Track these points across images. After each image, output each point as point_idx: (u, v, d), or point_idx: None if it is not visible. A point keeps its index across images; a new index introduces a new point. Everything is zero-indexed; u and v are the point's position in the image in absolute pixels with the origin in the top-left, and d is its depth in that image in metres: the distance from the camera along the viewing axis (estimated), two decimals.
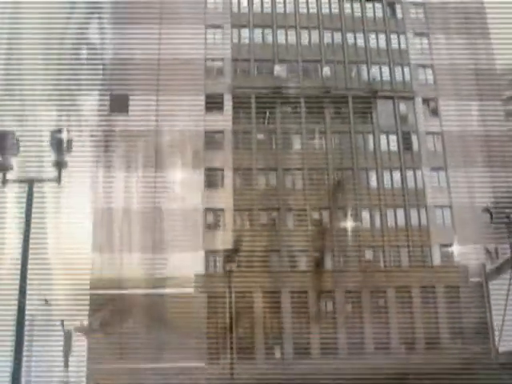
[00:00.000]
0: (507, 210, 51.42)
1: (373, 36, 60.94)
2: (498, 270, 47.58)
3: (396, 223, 54.40)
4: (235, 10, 60.29)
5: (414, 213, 54.66)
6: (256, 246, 51.24)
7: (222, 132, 54.90)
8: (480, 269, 50.62)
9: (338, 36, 60.58)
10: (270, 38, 59.72)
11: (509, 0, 55.13)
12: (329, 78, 58.35)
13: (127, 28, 54.33)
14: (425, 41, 61.13)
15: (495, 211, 52.22)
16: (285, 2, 60.99)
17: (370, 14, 61.80)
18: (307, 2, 61.17)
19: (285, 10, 60.84)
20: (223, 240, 51.15)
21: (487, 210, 52.52)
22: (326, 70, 58.60)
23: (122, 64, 54.09)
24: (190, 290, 48.91)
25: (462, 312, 50.03)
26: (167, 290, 47.64)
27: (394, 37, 61.17)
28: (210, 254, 51.10)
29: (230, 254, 50.16)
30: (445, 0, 60.77)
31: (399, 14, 62.30)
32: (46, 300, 39.66)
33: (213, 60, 57.77)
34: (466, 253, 51.97)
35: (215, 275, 50.38)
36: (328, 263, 52.42)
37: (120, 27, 54.78)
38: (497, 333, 45.69)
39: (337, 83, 58.39)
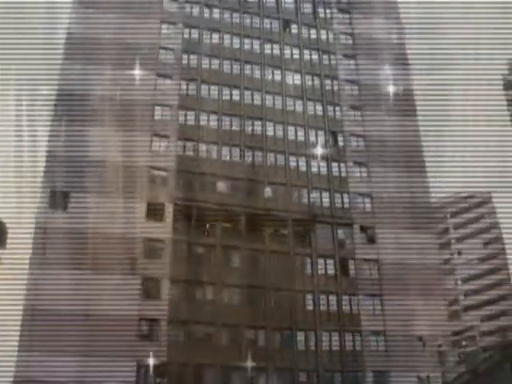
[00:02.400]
0: (439, 340, 55.37)
1: (314, 162, 65.53)
2: None
3: (330, 347, 56.82)
4: (181, 121, 64.11)
5: (348, 337, 57.32)
6: (189, 360, 52.46)
7: (161, 241, 56.77)
8: None
9: (281, 158, 64.91)
10: (214, 154, 63.41)
11: (444, 139, 62.04)
12: (270, 199, 62.14)
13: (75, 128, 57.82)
14: (364, 170, 66.32)
15: (428, 340, 56.02)
16: (231, 121, 65.24)
17: (312, 139, 66.80)
18: (253, 124, 65.68)
19: (231, 128, 64.98)
20: (156, 352, 51.99)
21: (420, 338, 56.31)
22: (268, 191, 62.46)
23: (66, 161, 56.62)
24: None
25: None
26: None
27: (335, 165, 66.10)
28: (141, 366, 51.62)
29: (161, 368, 51.34)
30: (383, 134, 66.83)
31: (341, 143, 67.69)
32: None
33: (157, 169, 60.48)
34: (398, 380, 54.63)
35: None
36: (262, 382, 54.08)
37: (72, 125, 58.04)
38: None
39: (278, 204, 62.15)
